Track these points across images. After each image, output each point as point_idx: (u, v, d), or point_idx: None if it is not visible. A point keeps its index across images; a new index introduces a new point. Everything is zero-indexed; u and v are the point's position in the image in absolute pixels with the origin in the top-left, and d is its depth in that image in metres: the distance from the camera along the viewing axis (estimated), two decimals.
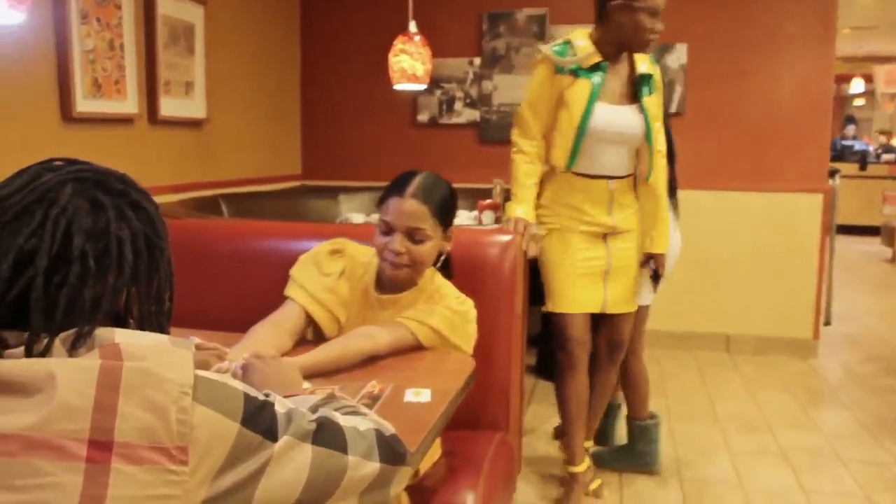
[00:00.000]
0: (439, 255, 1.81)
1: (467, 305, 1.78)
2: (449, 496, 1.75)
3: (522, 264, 2.16)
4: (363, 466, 0.96)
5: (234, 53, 4.36)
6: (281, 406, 0.92)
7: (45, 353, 0.83)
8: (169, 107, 3.68)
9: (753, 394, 3.99)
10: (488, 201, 4.00)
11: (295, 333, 1.74)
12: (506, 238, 2.12)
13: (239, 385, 0.90)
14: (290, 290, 1.79)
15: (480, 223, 3.92)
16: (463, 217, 4.06)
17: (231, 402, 0.86)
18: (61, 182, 0.90)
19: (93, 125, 3.21)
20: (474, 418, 2.02)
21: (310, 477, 0.90)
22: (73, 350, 0.83)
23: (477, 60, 4.89)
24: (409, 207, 1.71)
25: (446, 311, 1.72)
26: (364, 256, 1.85)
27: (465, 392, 1.56)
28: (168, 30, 3.65)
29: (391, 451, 1.01)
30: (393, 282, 1.79)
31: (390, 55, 3.75)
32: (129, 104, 3.39)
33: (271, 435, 0.88)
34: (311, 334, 1.82)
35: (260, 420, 0.87)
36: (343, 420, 0.99)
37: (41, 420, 0.76)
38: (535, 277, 2.56)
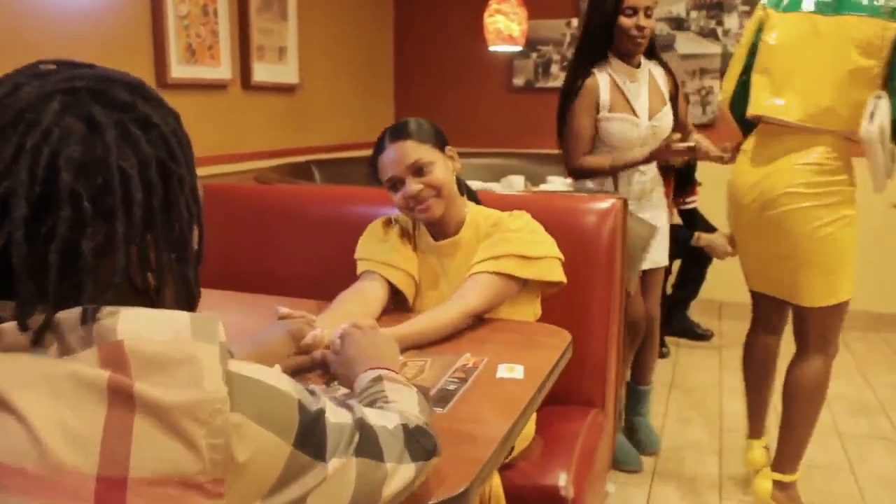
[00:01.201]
0: (460, 183, 1.80)
1: (524, 218, 1.74)
2: (540, 476, 1.68)
3: (622, 232, 2.04)
4: (399, 472, 0.85)
5: (327, 18, 4.32)
6: (332, 413, 0.79)
7: (44, 329, 0.66)
8: (262, 72, 3.68)
9: (865, 374, 3.75)
10: None
11: (381, 302, 1.73)
12: (604, 205, 2.00)
13: (289, 386, 0.75)
14: (361, 266, 1.80)
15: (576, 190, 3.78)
16: (558, 183, 3.94)
17: (283, 414, 0.71)
18: (46, 95, 0.68)
19: (187, 91, 3.23)
20: (568, 393, 1.93)
21: (355, 491, 0.79)
22: (66, 342, 0.66)
23: (574, 21, 4.71)
24: (395, 151, 1.72)
25: (507, 234, 1.69)
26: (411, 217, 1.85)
27: (559, 369, 1.47)
28: None
29: (418, 448, 0.89)
30: (440, 226, 1.77)
31: (485, 15, 3.67)
32: (223, 70, 3.40)
33: (320, 453, 0.75)
34: (393, 304, 1.80)
35: (313, 437, 0.74)
36: (374, 418, 0.87)
37: (40, 448, 0.62)
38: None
